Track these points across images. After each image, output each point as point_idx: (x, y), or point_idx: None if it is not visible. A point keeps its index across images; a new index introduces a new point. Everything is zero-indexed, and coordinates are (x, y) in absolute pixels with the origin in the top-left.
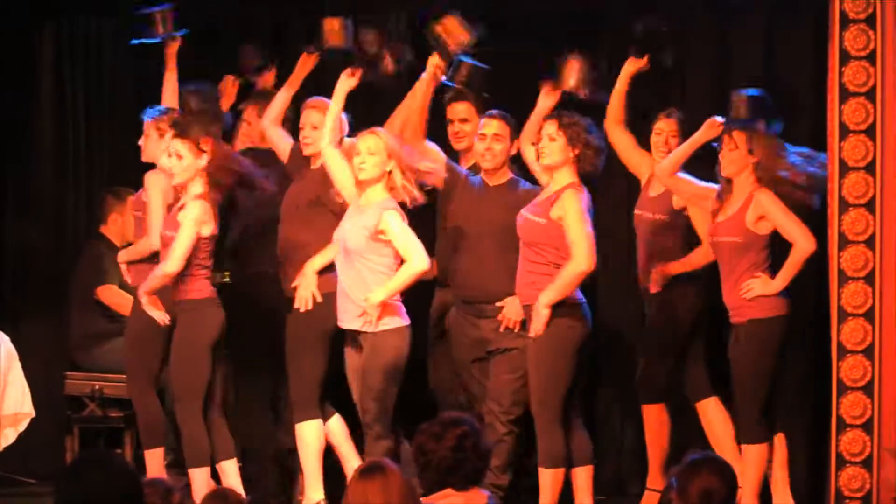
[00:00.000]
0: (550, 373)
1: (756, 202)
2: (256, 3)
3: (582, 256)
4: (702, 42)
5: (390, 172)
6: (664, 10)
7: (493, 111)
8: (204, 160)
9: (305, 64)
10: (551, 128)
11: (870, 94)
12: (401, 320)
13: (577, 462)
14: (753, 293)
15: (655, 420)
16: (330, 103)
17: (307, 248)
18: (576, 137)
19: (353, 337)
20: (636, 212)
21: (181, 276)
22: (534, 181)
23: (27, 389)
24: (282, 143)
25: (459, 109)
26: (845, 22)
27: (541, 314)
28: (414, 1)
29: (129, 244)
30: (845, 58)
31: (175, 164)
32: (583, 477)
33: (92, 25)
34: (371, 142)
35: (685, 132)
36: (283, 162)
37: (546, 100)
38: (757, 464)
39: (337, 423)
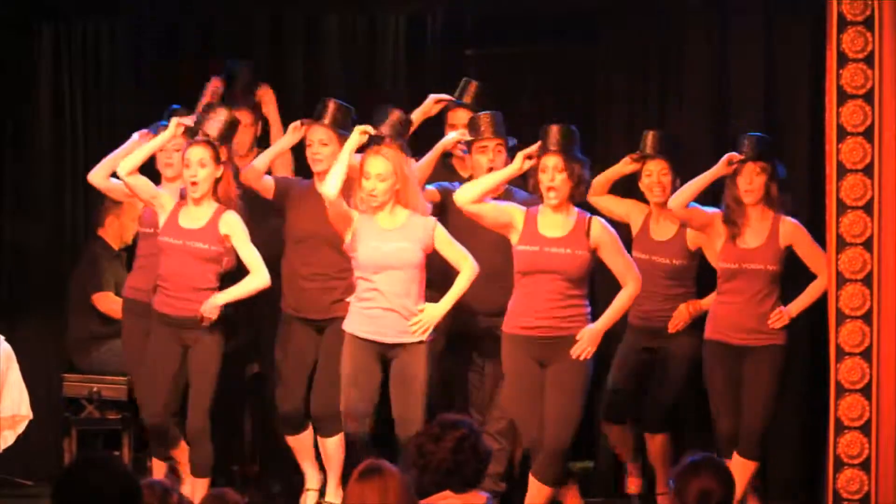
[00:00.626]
0: (579, 401)
1: (785, 231)
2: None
3: (637, 281)
4: (700, 44)
5: (399, 190)
6: (662, 11)
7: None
8: (220, 171)
9: (297, 131)
10: (555, 160)
11: (868, 97)
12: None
13: None
14: (783, 322)
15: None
16: (340, 154)
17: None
18: (573, 172)
19: (382, 352)
20: (640, 255)
21: (196, 293)
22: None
23: (25, 391)
24: (267, 183)
25: (462, 116)
26: (843, 24)
27: (597, 340)
28: (413, 1)
29: (126, 246)
30: (843, 60)
31: (199, 172)
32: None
33: (90, 27)
34: (380, 166)
35: (676, 172)
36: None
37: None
38: (744, 478)
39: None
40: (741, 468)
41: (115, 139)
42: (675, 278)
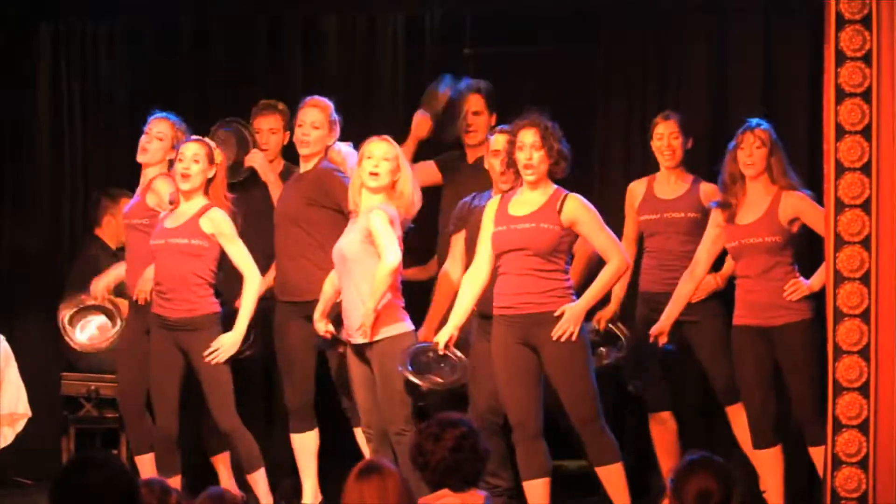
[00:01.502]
0: (585, 373)
1: (787, 203)
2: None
3: (620, 256)
4: (699, 44)
5: (397, 182)
6: (661, 10)
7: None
8: (212, 172)
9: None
10: (533, 137)
11: (866, 95)
12: (404, 326)
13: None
14: (800, 293)
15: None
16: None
17: (304, 254)
18: (551, 149)
19: (356, 348)
20: (650, 217)
21: (188, 291)
22: None
23: (23, 390)
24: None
25: (472, 101)
26: (841, 22)
27: (579, 318)
28: (410, 1)
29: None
30: (841, 58)
31: (192, 167)
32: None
33: (88, 26)
34: (385, 148)
35: (686, 132)
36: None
37: None
38: (819, 464)
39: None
40: (815, 457)
41: (113, 140)
42: (691, 233)
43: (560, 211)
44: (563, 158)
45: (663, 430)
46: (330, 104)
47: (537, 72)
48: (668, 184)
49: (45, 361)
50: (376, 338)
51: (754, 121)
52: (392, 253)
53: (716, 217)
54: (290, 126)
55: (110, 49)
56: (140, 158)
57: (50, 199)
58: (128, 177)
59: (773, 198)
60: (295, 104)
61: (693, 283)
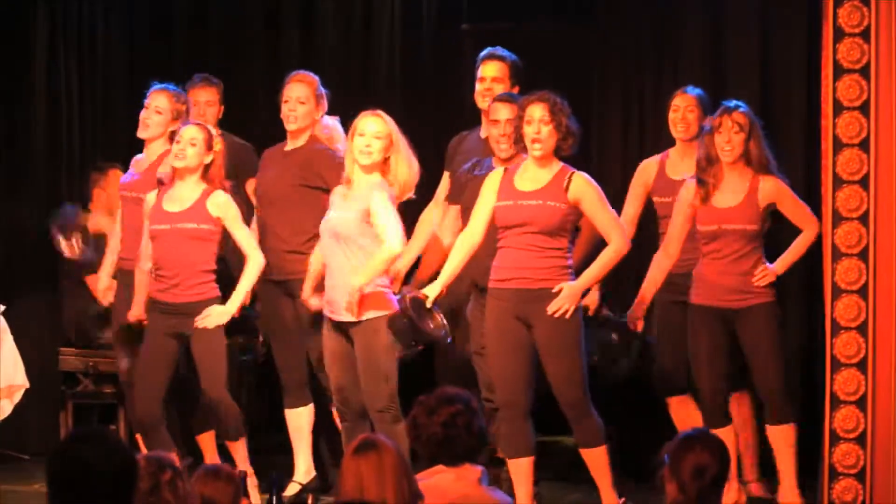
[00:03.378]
0: (574, 354)
1: (765, 188)
2: None
3: (621, 237)
4: (696, 21)
5: (389, 158)
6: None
7: (503, 94)
8: (209, 158)
9: None
10: (542, 112)
11: (864, 71)
12: (389, 309)
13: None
14: (769, 279)
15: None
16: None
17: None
18: (560, 124)
19: (337, 324)
20: (662, 200)
21: (194, 276)
22: None
23: (20, 361)
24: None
25: (491, 68)
26: (839, 35)
27: (576, 297)
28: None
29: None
30: (839, 34)
31: (189, 149)
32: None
33: (85, 5)
34: (378, 126)
35: (705, 110)
36: None
37: None
38: (789, 444)
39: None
40: (780, 435)
41: (110, 116)
42: None
43: (567, 189)
44: (572, 135)
45: (685, 413)
46: (316, 78)
47: (535, 49)
48: (682, 163)
49: (42, 337)
50: (364, 317)
51: (732, 103)
52: (396, 240)
53: (688, 194)
54: (224, 100)
55: (107, 23)
56: (141, 134)
57: (47, 174)
58: (125, 151)
59: (750, 183)
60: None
61: (670, 262)
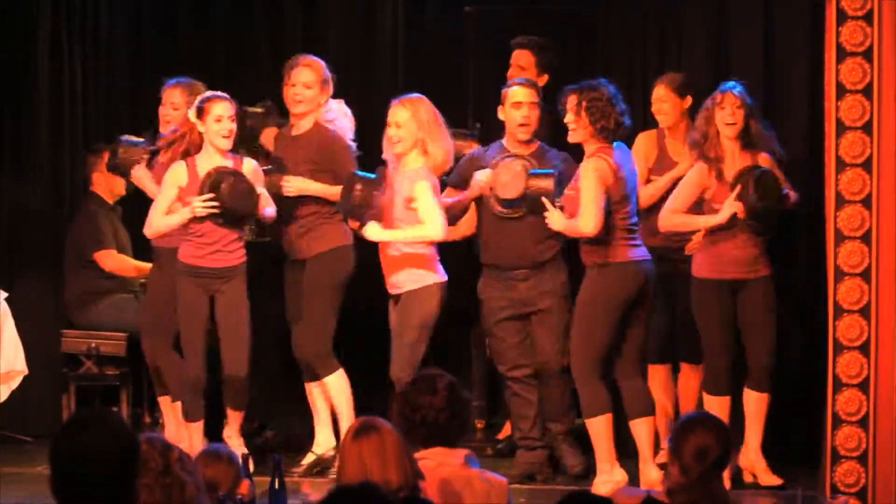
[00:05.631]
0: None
1: (765, 164)
2: None
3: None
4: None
5: (422, 140)
6: None
7: (521, 79)
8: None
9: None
10: (574, 103)
11: (867, 54)
12: (435, 276)
13: (633, 414)
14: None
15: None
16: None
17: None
18: (598, 112)
19: (393, 298)
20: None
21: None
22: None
23: (20, 347)
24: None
25: (518, 56)
26: (842, 18)
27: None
28: None
29: (120, 198)
30: (842, 18)
31: (231, 125)
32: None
33: None
34: (400, 115)
35: (682, 94)
36: None
37: None
38: (762, 410)
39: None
40: (759, 402)
41: (114, 97)
42: None
43: None
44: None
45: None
46: (322, 63)
47: (538, 29)
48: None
49: (45, 319)
50: (407, 287)
51: (730, 83)
52: (437, 228)
53: (701, 173)
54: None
55: (110, 8)
56: (165, 130)
57: (50, 157)
58: (128, 134)
59: (752, 159)
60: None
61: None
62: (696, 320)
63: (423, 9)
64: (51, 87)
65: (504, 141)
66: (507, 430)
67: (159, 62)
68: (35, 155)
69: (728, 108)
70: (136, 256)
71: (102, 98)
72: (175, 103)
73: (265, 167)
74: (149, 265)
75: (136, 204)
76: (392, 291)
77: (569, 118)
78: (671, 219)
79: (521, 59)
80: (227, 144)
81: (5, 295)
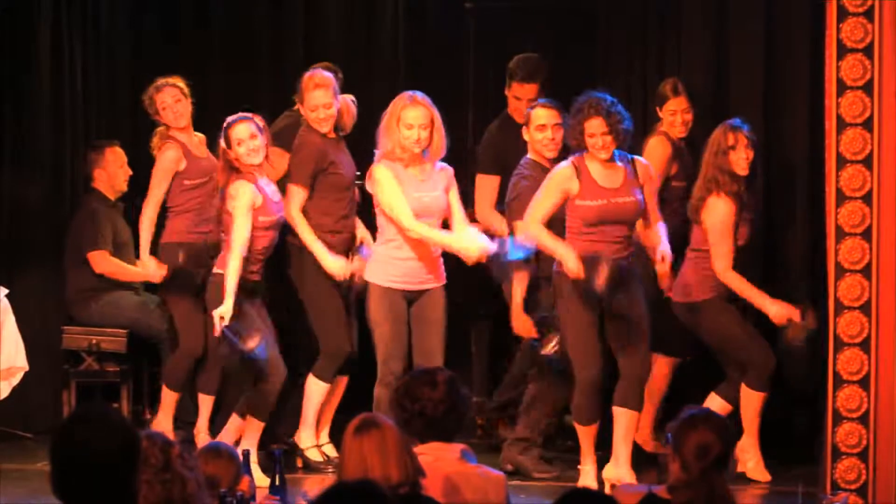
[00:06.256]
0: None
1: None
2: None
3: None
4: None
5: (432, 140)
6: None
7: (543, 100)
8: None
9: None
10: (602, 127)
11: (867, 51)
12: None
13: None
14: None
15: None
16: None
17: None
18: (619, 132)
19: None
20: (679, 184)
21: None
22: None
23: (21, 343)
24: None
25: (529, 90)
26: (843, 15)
27: None
28: None
29: (122, 195)
30: (843, 14)
31: (255, 143)
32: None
33: None
34: (422, 116)
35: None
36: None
37: None
38: (759, 409)
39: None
40: (758, 401)
41: (115, 93)
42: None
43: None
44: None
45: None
46: (331, 76)
47: (538, 25)
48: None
49: (45, 315)
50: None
51: (737, 121)
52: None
53: (729, 214)
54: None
55: (112, 5)
56: (179, 124)
57: (51, 153)
58: (129, 130)
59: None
60: (297, 56)
61: None
62: (722, 341)
63: (424, 5)
64: (52, 84)
65: (530, 155)
66: (503, 427)
67: (159, 62)
68: (36, 151)
69: (741, 150)
70: (136, 254)
71: (103, 95)
72: (177, 94)
73: None
74: (141, 274)
75: (138, 200)
76: (429, 286)
77: (597, 140)
78: (732, 276)
79: (530, 93)
80: (257, 159)
81: (6, 291)
